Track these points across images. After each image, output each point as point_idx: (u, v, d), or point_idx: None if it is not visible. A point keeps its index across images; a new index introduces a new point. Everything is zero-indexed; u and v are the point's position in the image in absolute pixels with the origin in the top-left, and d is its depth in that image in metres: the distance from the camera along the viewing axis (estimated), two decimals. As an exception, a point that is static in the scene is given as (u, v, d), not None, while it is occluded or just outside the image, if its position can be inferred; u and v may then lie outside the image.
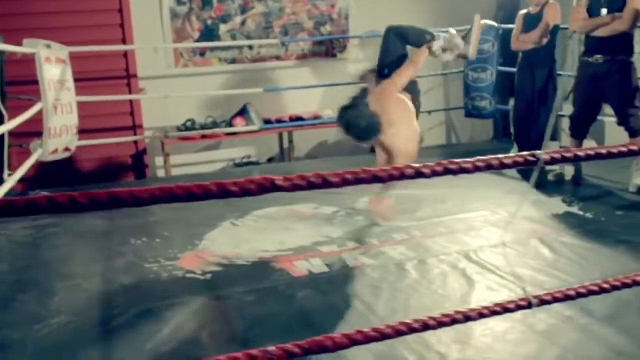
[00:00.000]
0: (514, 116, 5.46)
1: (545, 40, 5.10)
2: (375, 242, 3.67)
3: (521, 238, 3.61)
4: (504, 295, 2.84)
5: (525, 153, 1.53)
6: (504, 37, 5.79)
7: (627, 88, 4.38)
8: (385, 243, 3.65)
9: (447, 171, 1.44)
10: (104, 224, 4.27)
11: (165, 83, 6.17)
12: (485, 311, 1.59)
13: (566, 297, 1.68)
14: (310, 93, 6.53)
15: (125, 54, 5.92)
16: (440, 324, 1.54)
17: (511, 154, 1.52)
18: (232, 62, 6.40)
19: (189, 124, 6.03)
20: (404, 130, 3.58)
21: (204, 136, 6.04)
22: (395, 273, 3.19)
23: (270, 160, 6.54)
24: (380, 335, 1.49)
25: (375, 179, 1.37)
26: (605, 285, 1.75)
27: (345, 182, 1.35)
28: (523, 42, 5.21)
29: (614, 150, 1.64)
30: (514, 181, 4.95)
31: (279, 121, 6.31)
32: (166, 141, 5.92)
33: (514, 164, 1.51)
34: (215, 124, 6.10)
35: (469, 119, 6.68)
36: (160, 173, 6.21)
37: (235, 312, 2.83)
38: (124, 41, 5.88)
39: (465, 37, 4.19)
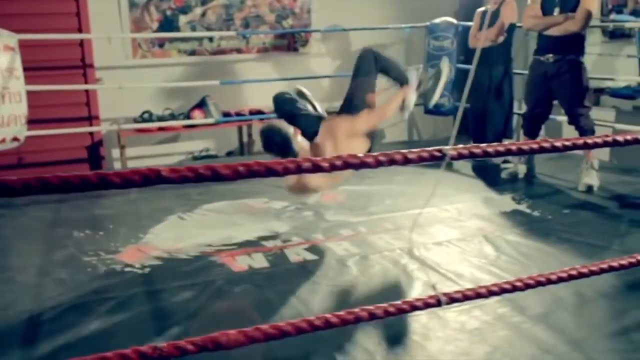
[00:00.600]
0: (470, 113, 5.47)
1: (501, 39, 5.12)
2: (321, 238, 3.63)
3: (466, 235, 3.61)
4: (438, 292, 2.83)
5: (431, 149, 1.51)
6: (465, 35, 5.79)
7: (578, 87, 4.40)
8: (330, 239, 3.62)
9: (347, 165, 1.40)
10: (50, 216, 4.19)
11: (123, 74, 6.06)
12: (392, 309, 1.56)
13: (477, 295, 1.66)
14: (271, 87, 6.46)
15: (81, 44, 5.81)
16: (343, 321, 1.50)
17: (416, 149, 1.49)
18: (192, 54, 6.32)
19: (146, 115, 5.95)
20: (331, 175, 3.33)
21: (161, 128, 5.95)
22: (336, 269, 3.16)
23: (229, 153, 6.48)
24: (280, 333, 1.45)
25: (270, 172, 1.33)
26: (518, 283, 1.74)
27: (237, 175, 1.31)
28: (480, 39, 5.20)
29: (525, 147, 1.62)
30: (468, 179, 4.96)
31: (238, 115, 6.24)
32: (122, 133, 5.82)
33: (420, 159, 1.48)
34: (173, 117, 6.01)
35: (430, 116, 6.68)
36: (118, 165, 6.11)
37: (168, 307, 2.77)
38: (79, 30, 5.77)
39: (432, 84, 4.10)
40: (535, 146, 1.61)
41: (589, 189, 4.44)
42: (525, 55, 5.44)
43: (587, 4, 4.27)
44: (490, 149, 1.55)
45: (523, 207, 4.16)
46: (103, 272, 3.19)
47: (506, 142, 5.28)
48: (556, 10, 4.39)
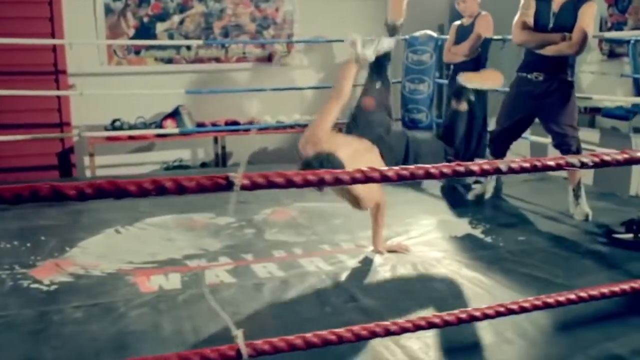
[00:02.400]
0: (442, 130, 5.23)
1: (475, 53, 4.89)
2: (250, 259, 3.44)
3: (404, 262, 3.37)
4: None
5: (218, 175, 1.31)
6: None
7: (567, 109, 4.09)
8: (259, 260, 3.42)
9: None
10: (-13, 225, 4.07)
11: (98, 81, 5.98)
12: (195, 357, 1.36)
13: (289, 347, 1.45)
14: (249, 98, 6.33)
15: (54, 49, 5.74)
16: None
17: (198, 176, 1.30)
18: (169, 62, 6.20)
19: (117, 123, 5.84)
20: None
21: (131, 137, 5.84)
22: (248, 294, 2.96)
23: (203, 165, 6.34)
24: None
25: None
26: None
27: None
28: (454, 54, 5.00)
29: (359, 176, 1.41)
30: (433, 200, 4.72)
31: (214, 125, 6.11)
32: (92, 140, 5.73)
33: (198, 187, 1.29)
34: (145, 125, 5.90)
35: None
36: (88, 173, 6.01)
37: (53, 329, 2.61)
38: (52, 35, 5.70)
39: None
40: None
41: (587, 218, 4.13)
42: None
43: (585, 24, 3.92)
44: (279, 179, 1.34)
45: (477, 232, 3.90)
46: (7, 288, 3.03)
47: (477, 161, 5.03)
48: (552, 20, 4.04)
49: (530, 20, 4.12)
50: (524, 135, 4.73)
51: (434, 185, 4.99)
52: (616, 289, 2.24)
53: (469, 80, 3.69)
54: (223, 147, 6.15)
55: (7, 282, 3.11)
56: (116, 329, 2.60)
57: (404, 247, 3.53)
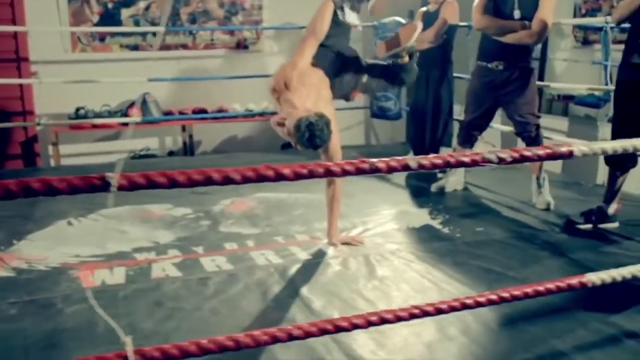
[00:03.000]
0: (409, 118, 5.18)
1: (440, 40, 4.81)
2: (200, 252, 3.37)
3: (356, 253, 3.31)
4: (297, 317, 2.55)
5: (94, 175, 1.24)
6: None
7: (528, 96, 4.04)
8: (210, 253, 3.35)
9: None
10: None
11: (62, 68, 5.85)
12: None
13: (182, 354, 1.38)
14: (217, 85, 6.22)
15: (15, 35, 5.60)
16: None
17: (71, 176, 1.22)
18: (135, 49, 6.08)
19: (81, 112, 5.73)
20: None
21: (95, 125, 5.73)
22: (192, 289, 2.89)
23: (171, 153, 6.24)
24: None
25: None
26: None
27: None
28: (420, 41, 4.90)
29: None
30: (397, 190, 4.66)
31: (182, 113, 6.01)
32: (55, 129, 5.62)
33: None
34: (109, 114, 5.79)
35: (389, 121, 6.38)
36: (53, 162, 5.90)
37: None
38: (13, 22, 5.57)
39: None
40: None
41: (548, 207, 4.10)
42: (465, 57, 5.10)
43: (545, 15, 3.84)
44: (163, 178, 1.26)
45: (435, 223, 3.85)
46: (-55, 283, 2.95)
47: (445, 150, 4.98)
48: (516, 14, 3.97)
49: (490, 6, 4.04)
50: (494, 125, 4.68)
51: (401, 175, 4.93)
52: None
53: (383, 51, 3.58)
54: (190, 136, 6.05)
55: (-54, 277, 3.03)
56: (50, 326, 2.53)
57: (357, 240, 3.47)
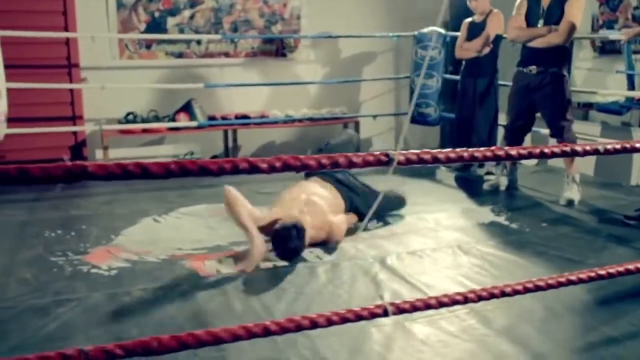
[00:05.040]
0: (456, 123, 5.46)
1: (487, 50, 5.10)
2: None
3: (441, 246, 3.56)
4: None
5: (377, 152, 1.47)
6: (452, 45, 5.77)
7: (560, 100, 4.38)
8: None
9: (286, 167, 1.36)
10: (23, 216, 4.14)
11: (110, 74, 6.02)
12: (335, 318, 1.52)
13: (426, 306, 1.62)
14: (258, 92, 6.45)
15: (67, 43, 5.77)
16: (282, 329, 1.46)
17: (362, 153, 1.45)
18: (179, 56, 6.29)
19: (130, 117, 5.91)
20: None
21: (145, 130, 5.91)
22: (305, 276, 3.11)
23: (214, 157, 6.44)
24: (213, 339, 1.41)
25: (203, 170, 1.29)
26: (471, 295, 1.70)
27: (169, 174, 1.27)
28: (466, 50, 5.20)
29: (478, 154, 1.59)
30: (450, 190, 4.92)
31: (224, 119, 6.21)
32: (105, 133, 5.78)
33: (365, 163, 1.44)
34: (157, 119, 5.98)
35: (419, 126, 6.65)
36: (100, 166, 6.05)
37: (128, 310, 2.72)
38: (66, 29, 5.74)
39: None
40: (487, 154, 1.57)
41: (570, 203, 4.41)
42: (512, 66, 5.40)
43: (570, 16, 4.24)
44: (440, 155, 1.51)
45: (501, 219, 4.12)
46: (68, 273, 3.13)
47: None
48: (540, 22, 4.36)
49: (522, 19, 4.40)
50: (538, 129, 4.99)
51: (448, 176, 5.20)
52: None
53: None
54: (234, 140, 6.26)
55: (67, 268, 3.21)
56: (191, 309, 2.73)
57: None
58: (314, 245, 3.44)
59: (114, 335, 2.48)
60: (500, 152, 1.58)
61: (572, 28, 4.23)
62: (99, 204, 4.43)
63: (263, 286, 2.99)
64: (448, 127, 6.52)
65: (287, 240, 3.21)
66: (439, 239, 3.70)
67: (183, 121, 5.94)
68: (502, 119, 5.38)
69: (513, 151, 1.59)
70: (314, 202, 3.53)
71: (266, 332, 1.44)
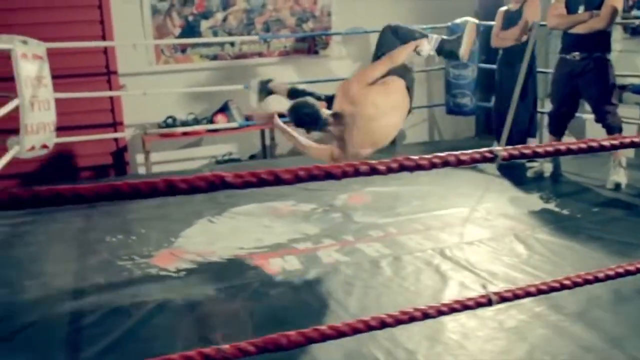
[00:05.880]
0: (494, 113, 5.48)
1: (525, 37, 5.12)
2: (351, 239, 3.66)
3: (497, 235, 3.61)
4: (476, 292, 2.84)
5: (482, 150, 1.53)
6: (486, 35, 5.79)
7: (604, 85, 4.39)
8: (360, 240, 3.64)
9: (402, 168, 1.42)
10: (81, 223, 4.24)
11: (147, 80, 6.12)
12: (445, 308, 1.58)
13: (527, 294, 1.68)
14: (292, 90, 6.51)
15: (105, 51, 5.87)
16: (397, 321, 1.53)
17: (468, 151, 1.51)
18: (214, 58, 6.36)
19: (169, 121, 6.00)
20: (383, 122, 3.30)
21: (184, 133, 6.00)
22: (369, 270, 3.18)
23: (252, 157, 6.52)
24: (337, 333, 1.48)
25: (329, 175, 1.36)
26: (567, 282, 1.75)
27: (297, 179, 1.34)
28: (503, 39, 5.23)
29: (574, 147, 1.64)
30: (495, 178, 4.95)
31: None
32: (147, 138, 5.88)
33: (472, 161, 1.50)
34: (196, 121, 6.07)
35: (451, 116, 6.68)
36: (142, 170, 6.16)
37: (206, 310, 2.81)
38: (103, 37, 5.83)
39: (458, 40, 4.01)
40: (582, 146, 1.62)
41: (617, 187, 4.43)
42: (546, 53, 5.42)
43: (612, 0, 4.25)
44: (539, 150, 1.56)
45: (551, 206, 4.15)
46: (139, 276, 3.23)
47: (531, 141, 5.29)
48: (581, 9, 4.37)
49: (563, 6, 4.45)
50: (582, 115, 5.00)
51: (490, 165, 5.23)
52: None
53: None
54: (272, 139, 6.34)
55: (135, 271, 3.30)
56: (267, 306, 2.81)
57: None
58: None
59: (199, 335, 2.57)
60: (594, 144, 1.63)
61: (615, 12, 4.25)
62: (151, 208, 4.52)
63: (330, 282, 3.06)
64: (483, 116, 6.54)
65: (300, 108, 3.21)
66: (493, 227, 3.75)
67: (221, 122, 6.02)
68: (541, 105, 5.40)
69: (603, 142, 1.63)
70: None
71: (382, 325, 1.50)
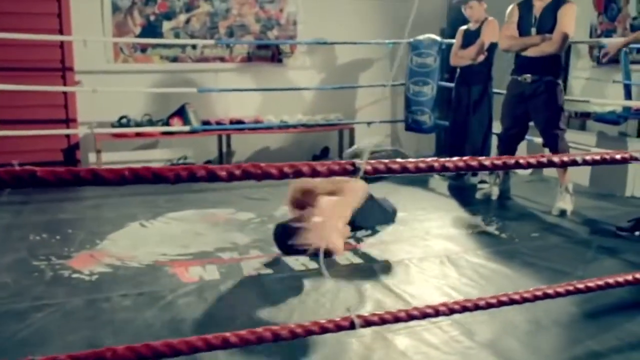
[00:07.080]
0: (449, 130, 5.42)
1: (482, 57, 5.07)
2: (279, 252, 3.54)
3: (429, 255, 3.52)
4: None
5: (344, 162, 1.43)
6: (448, 52, 5.73)
7: (554, 109, 4.34)
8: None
9: (246, 175, 1.32)
10: (9, 218, 4.11)
11: (104, 78, 6.00)
12: (299, 330, 1.48)
13: (395, 319, 1.58)
14: (253, 97, 6.42)
15: (61, 45, 5.76)
16: (243, 340, 1.42)
17: (327, 161, 1.41)
18: (174, 60, 6.27)
19: (123, 120, 5.88)
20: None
21: (138, 134, 5.88)
22: (288, 284, 3.07)
23: (207, 162, 6.40)
24: (188, 349, 1.37)
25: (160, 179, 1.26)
26: (455, 306, 1.66)
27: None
28: (461, 57, 5.17)
29: (450, 164, 1.55)
30: (443, 198, 4.88)
31: (219, 124, 6.18)
32: (98, 137, 5.76)
33: (330, 172, 1.40)
34: (151, 123, 5.95)
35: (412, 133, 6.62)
36: (93, 170, 6.02)
37: (106, 316, 2.68)
38: (60, 32, 5.72)
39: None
40: (472, 163, 1.54)
41: (563, 214, 4.37)
42: (506, 74, 5.36)
43: (564, 25, 4.20)
44: (409, 165, 1.47)
45: (492, 229, 4.07)
46: (49, 278, 3.09)
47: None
48: (533, 31, 4.32)
49: (514, 28, 4.37)
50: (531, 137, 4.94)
51: (442, 184, 5.16)
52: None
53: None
54: (228, 145, 6.23)
55: (47, 272, 3.17)
56: (168, 316, 2.69)
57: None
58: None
59: (89, 342, 2.44)
60: (487, 162, 1.54)
61: (566, 37, 4.20)
62: (86, 207, 4.40)
63: (245, 294, 2.95)
64: (443, 134, 6.47)
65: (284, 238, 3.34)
66: (427, 248, 3.66)
67: (177, 125, 5.91)
68: (497, 127, 5.33)
69: (487, 161, 1.55)
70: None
71: (225, 344, 1.40)
